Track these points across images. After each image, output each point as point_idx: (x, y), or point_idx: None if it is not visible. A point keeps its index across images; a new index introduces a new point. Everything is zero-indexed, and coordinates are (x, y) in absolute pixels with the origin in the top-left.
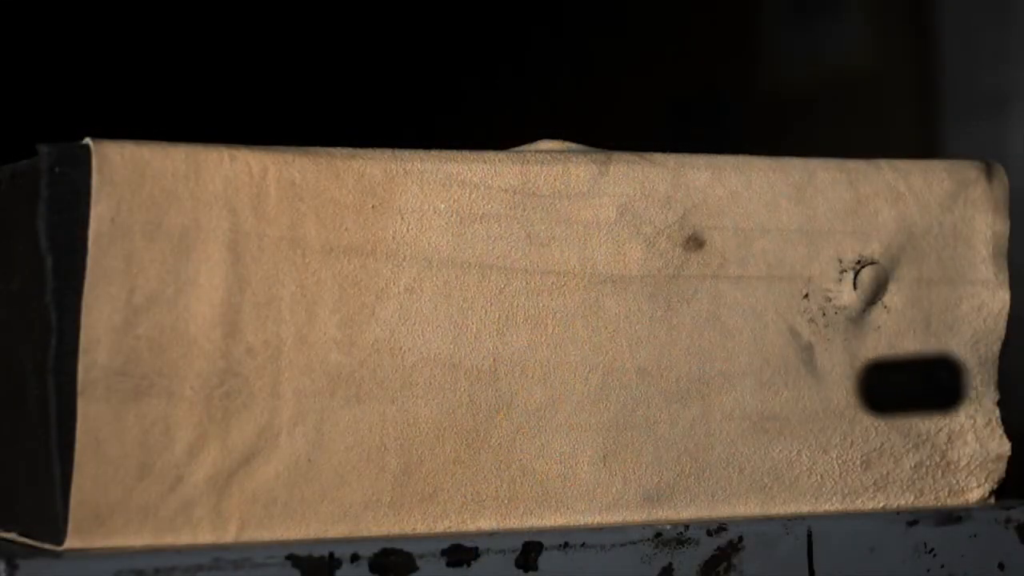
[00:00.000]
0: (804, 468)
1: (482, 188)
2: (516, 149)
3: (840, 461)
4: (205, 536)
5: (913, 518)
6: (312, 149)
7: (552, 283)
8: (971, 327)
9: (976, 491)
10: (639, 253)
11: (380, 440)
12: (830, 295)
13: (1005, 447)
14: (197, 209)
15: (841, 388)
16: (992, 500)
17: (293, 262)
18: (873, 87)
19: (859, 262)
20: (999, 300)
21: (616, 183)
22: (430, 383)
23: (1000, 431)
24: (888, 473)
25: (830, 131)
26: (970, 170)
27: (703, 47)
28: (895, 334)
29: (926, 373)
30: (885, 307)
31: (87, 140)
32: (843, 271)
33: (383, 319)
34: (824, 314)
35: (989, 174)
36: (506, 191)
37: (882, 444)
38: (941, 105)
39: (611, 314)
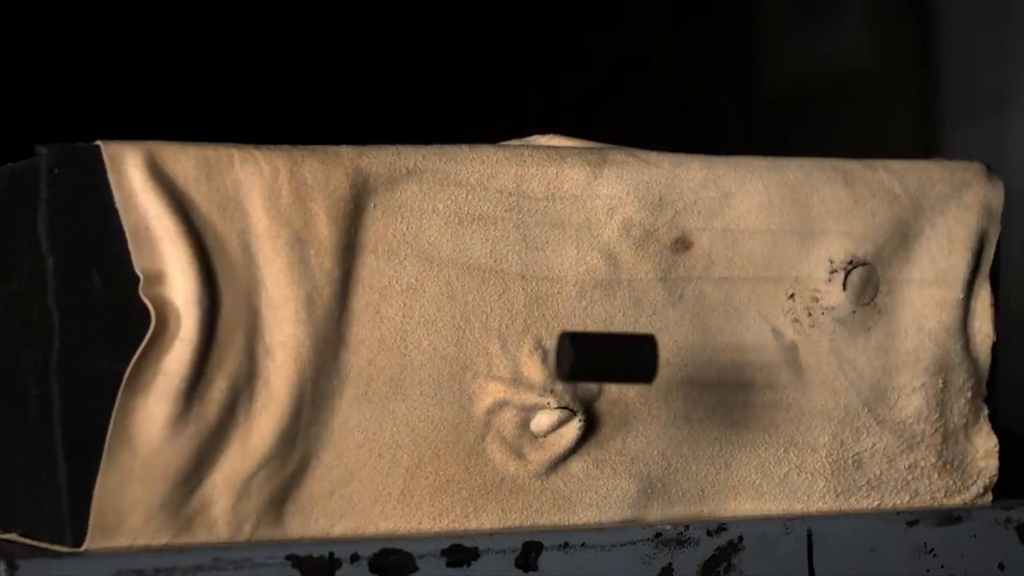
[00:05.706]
0: (793, 466)
1: (479, 189)
2: (513, 143)
3: (831, 460)
4: (220, 536)
5: (913, 518)
6: (318, 148)
7: (545, 288)
8: (963, 328)
9: (972, 489)
10: (627, 257)
11: (391, 437)
12: (818, 295)
13: (992, 442)
14: (215, 213)
15: (828, 388)
16: (989, 498)
17: (307, 262)
18: (873, 87)
19: (851, 263)
20: (989, 302)
21: (610, 185)
22: (437, 381)
23: (988, 427)
24: (882, 473)
25: (829, 131)
26: (965, 173)
27: (703, 47)
28: (887, 335)
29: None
30: (877, 308)
31: (98, 142)
32: (833, 271)
33: (387, 317)
34: (810, 314)
35: (984, 177)
36: (502, 193)
37: (874, 444)
38: (941, 105)
39: (599, 318)
